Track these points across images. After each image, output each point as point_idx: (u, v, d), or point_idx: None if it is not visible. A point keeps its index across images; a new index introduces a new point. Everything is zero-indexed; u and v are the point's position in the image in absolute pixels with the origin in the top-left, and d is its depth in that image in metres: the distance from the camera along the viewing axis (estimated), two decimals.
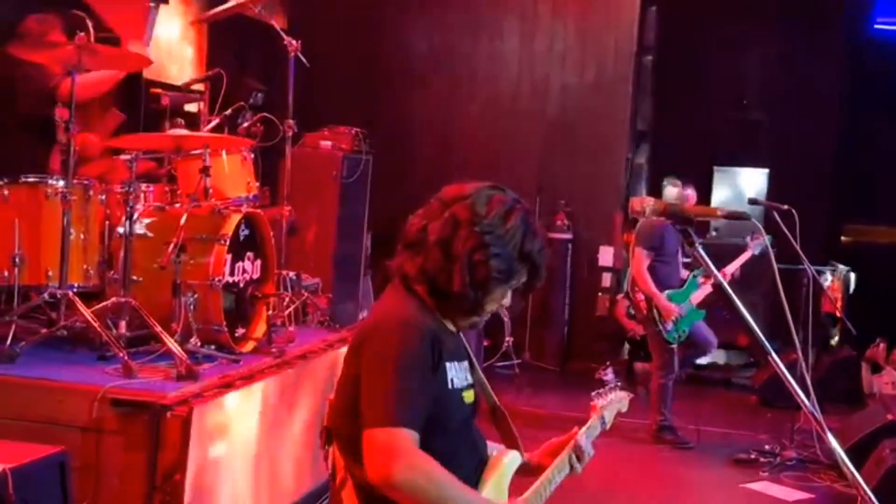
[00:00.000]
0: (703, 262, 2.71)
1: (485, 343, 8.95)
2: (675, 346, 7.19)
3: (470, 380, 2.58)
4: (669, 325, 7.11)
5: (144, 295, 4.54)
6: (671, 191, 7.40)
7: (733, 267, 7.45)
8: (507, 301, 2.58)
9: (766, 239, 7.18)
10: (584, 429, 2.84)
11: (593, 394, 2.96)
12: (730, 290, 2.62)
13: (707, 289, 7.32)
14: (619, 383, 3.07)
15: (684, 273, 7.48)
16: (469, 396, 2.56)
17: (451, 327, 2.58)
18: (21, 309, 4.42)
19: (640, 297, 7.21)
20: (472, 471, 2.54)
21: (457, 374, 2.51)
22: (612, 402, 3.00)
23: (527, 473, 2.75)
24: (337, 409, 2.51)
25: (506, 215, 2.50)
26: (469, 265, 2.46)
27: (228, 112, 5.78)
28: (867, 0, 11.53)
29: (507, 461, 2.62)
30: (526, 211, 2.55)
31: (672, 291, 7.18)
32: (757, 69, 11.27)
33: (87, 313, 4.31)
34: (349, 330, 6.04)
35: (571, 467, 2.76)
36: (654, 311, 7.12)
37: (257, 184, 5.49)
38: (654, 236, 7.19)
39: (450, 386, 2.47)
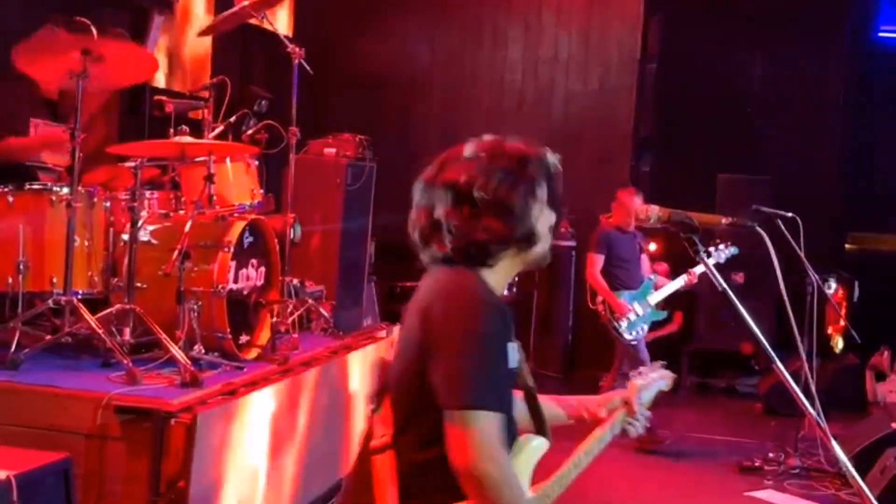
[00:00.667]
0: (707, 269, 2.71)
1: None
2: (636, 343, 7.40)
3: (519, 359, 2.55)
4: (624, 323, 7.31)
5: (148, 302, 4.54)
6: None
7: (700, 269, 7.51)
8: (551, 218, 2.57)
9: (732, 249, 7.28)
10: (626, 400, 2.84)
11: (632, 373, 2.94)
12: (734, 298, 2.62)
13: (668, 290, 7.59)
14: (664, 363, 3.04)
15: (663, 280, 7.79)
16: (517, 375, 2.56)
17: (502, 294, 2.56)
18: (25, 315, 4.42)
19: (599, 299, 7.46)
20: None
21: (513, 353, 2.48)
22: (653, 381, 2.95)
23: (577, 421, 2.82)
24: (396, 376, 2.47)
25: (481, 166, 2.50)
26: (491, 207, 2.44)
27: (232, 119, 5.79)
28: (871, 8, 11.53)
29: (533, 446, 2.57)
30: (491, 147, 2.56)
31: (628, 293, 7.43)
32: (761, 77, 11.27)
33: (91, 320, 4.31)
34: (353, 337, 6.04)
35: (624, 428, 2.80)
36: (609, 311, 7.37)
37: (261, 191, 5.49)
38: (600, 241, 7.54)
39: (510, 366, 2.45)
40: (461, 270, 2.46)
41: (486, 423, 2.26)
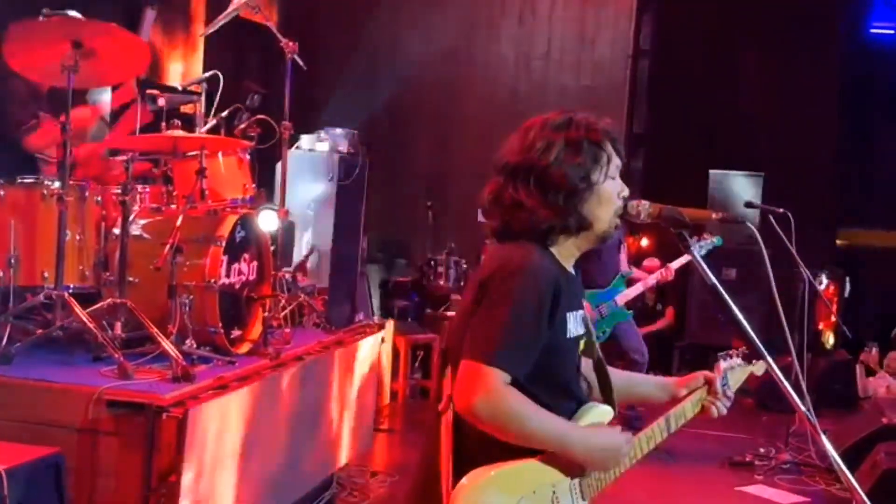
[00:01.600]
0: (698, 263, 2.72)
1: None
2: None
3: (583, 328, 2.61)
4: None
5: (140, 296, 4.53)
6: None
7: (677, 264, 7.27)
8: (621, 189, 2.60)
9: (714, 240, 7.06)
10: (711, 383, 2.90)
11: (720, 354, 2.99)
12: (724, 293, 2.63)
13: (638, 289, 7.27)
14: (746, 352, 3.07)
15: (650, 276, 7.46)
16: (582, 344, 2.63)
17: (569, 267, 2.60)
18: (17, 310, 4.41)
19: None
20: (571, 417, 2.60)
21: (574, 323, 2.55)
22: (738, 365, 3.01)
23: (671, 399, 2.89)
24: (455, 340, 2.54)
25: (541, 134, 2.57)
26: (541, 192, 2.50)
27: (225, 114, 5.78)
28: (863, 5, 11.56)
29: (596, 413, 2.62)
30: (548, 118, 2.64)
31: (593, 291, 6.98)
32: (753, 73, 11.29)
33: (82, 314, 4.30)
34: (346, 332, 6.04)
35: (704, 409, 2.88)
36: None
37: (254, 185, 5.48)
38: None
39: (568, 335, 2.52)
40: (522, 242, 2.52)
41: (493, 378, 2.34)
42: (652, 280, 7.32)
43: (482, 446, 2.40)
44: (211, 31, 6.16)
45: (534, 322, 2.40)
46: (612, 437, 2.55)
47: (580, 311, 2.60)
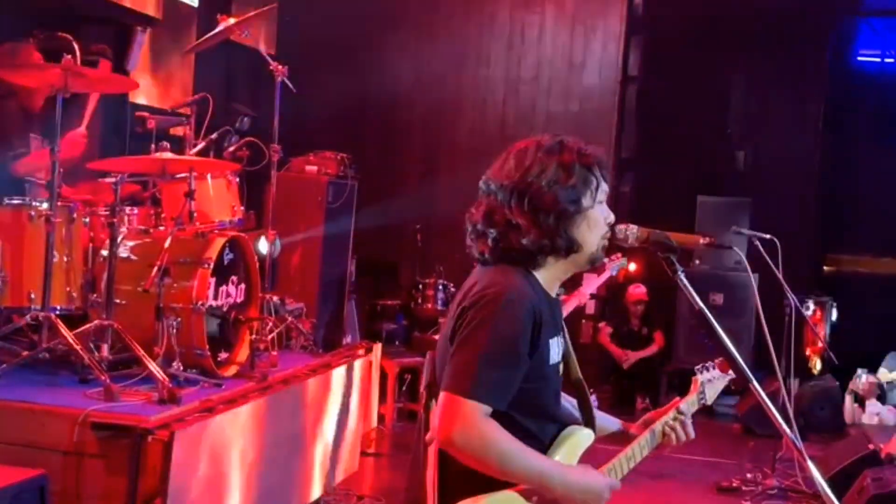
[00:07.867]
0: (685, 290, 2.72)
1: None
2: None
3: (563, 353, 2.62)
4: None
5: (127, 318, 4.53)
6: None
7: (591, 288, 7.18)
8: (607, 215, 2.62)
9: (622, 261, 6.97)
10: (682, 403, 2.88)
11: (697, 368, 2.98)
12: (711, 318, 2.63)
13: (569, 307, 6.75)
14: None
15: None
16: (562, 369, 2.63)
17: (553, 292, 2.61)
18: (2, 331, 4.40)
19: None
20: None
21: (556, 349, 2.56)
22: (717, 377, 3.00)
23: (622, 440, 2.83)
24: (439, 368, 2.54)
25: (536, 157, 2.58)
26: (531, 215, 2.50)
27: (214, 136, 5.79)
28: (851, 32, 11.64)
29: (579, 437, 2.61)
30: (541, 141, 2.64)
31: None
32: (741, 99, 11.34)
33: (69, 336, 4.29)
34: (333, 355, 6.03)
35: (664, 435, 2.81)
36: None
37: (242, 208, 5.48)
38: None
39: (550, 362, 2.52)
40: (505, 267, 2.52)
41: (470, 411, 2.33)
42: (571, 306, 7.11)
43: (466, 478, 2.40)
44: (195, 49, 6.17)
45: (513, 352, 2.39)
46: (594, 479, 2.53)
47: (560, 336, 2.61)
